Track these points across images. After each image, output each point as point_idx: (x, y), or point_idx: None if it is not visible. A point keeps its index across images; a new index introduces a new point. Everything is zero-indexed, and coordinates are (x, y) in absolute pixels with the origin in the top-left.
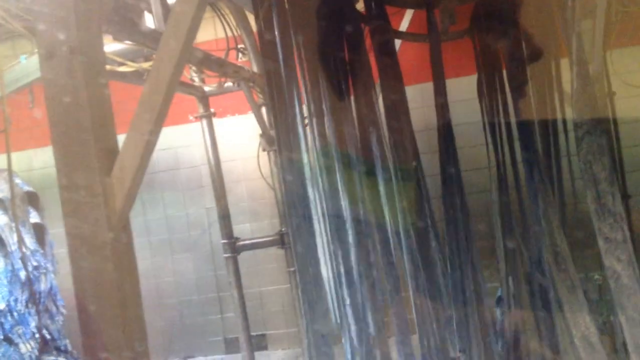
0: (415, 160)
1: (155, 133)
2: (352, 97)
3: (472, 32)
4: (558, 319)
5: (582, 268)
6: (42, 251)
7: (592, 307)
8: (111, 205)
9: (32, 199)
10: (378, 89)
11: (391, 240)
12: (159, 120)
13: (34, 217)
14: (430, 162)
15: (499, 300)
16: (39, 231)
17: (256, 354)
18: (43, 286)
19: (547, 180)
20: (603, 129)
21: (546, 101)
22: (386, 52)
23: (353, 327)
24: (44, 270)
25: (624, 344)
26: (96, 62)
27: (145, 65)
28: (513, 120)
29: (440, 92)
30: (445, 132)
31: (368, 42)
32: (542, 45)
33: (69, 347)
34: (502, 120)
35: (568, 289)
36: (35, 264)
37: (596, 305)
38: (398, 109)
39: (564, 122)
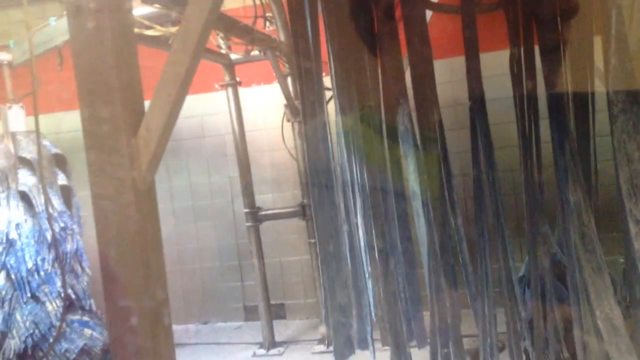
0: (440, 133)
1: (180, 96)
2: (379, 68)
3: (505, 5)
4: (582, 300)
5: (609, 250)
6: (69, 213)
7: (616, 290)
8: (136, 166)
9: (59, 162)
10: (406, 61)
11: (408, 214)
12: (185, 84)
13: (62, 179)
14: (457, 138)
15: (521, 279)
16: (66, 193)
17: (274, 322)
18: (69, 247)
19: (577, 159)
20: (639, 108)
21: (579, 78)
22: (416, 23)
23: (371, 300)
24: (70, 232)
25: None
26: (124, 22)
27: (173, 30)
28: (544, 96)
29: (473, 66)
30: (478, 107)
31: (398, 12)
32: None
33: (94, 307)
34: (534, 96)
35: (594, 270)
36: (62, 225)
37: (620, 288)
38: (425, 81)
39: (595, 99)
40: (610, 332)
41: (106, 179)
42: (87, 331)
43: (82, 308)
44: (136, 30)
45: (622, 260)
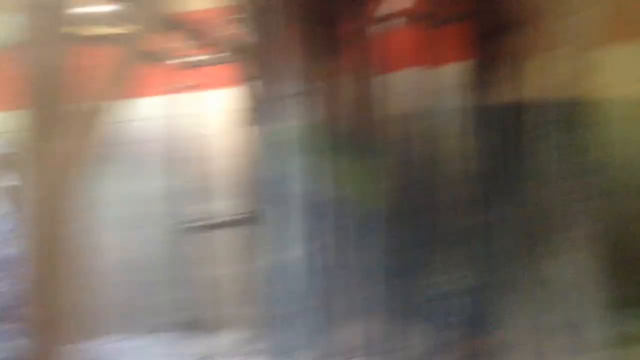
0: (393, 145)
1: (116, 100)
2: (343, 76)
3: (467, 17)
4: (521, 314)
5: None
6: (17, 214)
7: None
8: (66, 169)
9: (12, 161)
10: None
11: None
12: (121, 88)
13: (12, 180)
14: (405, 150)
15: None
16: (18, 194)
17: (211, 334)
18: (14, 250)
19: (523, 172)
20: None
21: (532, 92)
22: (374, 32)
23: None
24: (17, 234)
25: None
26: (58, 19)
27: (116, 30)
28: (496, 109)
29: (426, 78)
30: (427, 119)
31: (364, 19)
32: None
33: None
34: (486, 109)
35: (531, 283)
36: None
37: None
38: (379, 92)
39: (547, 113)
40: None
41: (34, 182)
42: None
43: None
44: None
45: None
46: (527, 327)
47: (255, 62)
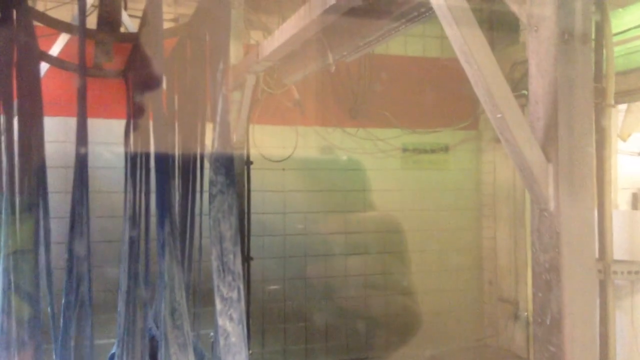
0: (41, 196)
1: None
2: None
3: (126, 74)
4: None
5: (204, 325)
6: None
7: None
8: None
9: None
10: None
11: None
12: None
13: None
14: (64, 201)
15: (112, 358)
16: None
17: None
18: None
19: (176, 233)
20: (235, 191)
21: (189, 158)
22: (28, 73)
23: None
24: None
25: None
26: None
27: None
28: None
29: (81, 129)
30: (81, 172)
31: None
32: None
33: None
34: (144, 170)
35: (180, 346)
36: None
37: None
38: (31, 138)
39: (201, 180)
40: None
41: None
42: None
43: None
44: None
45: (212, 334)
46: None
47: None
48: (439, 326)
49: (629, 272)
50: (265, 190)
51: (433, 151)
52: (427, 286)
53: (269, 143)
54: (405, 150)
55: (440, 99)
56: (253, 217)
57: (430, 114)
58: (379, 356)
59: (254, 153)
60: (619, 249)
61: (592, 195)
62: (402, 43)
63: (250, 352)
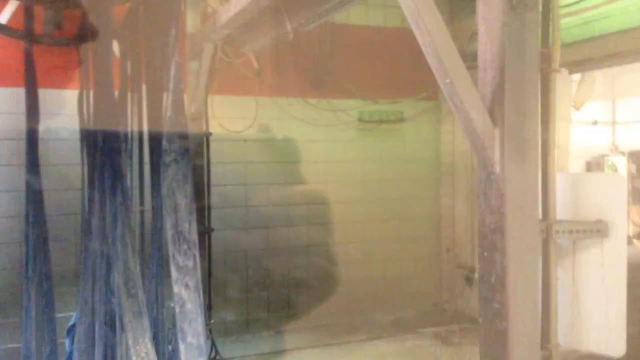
0: None
1: None
2: None
3: (78, 43)
4: (121, 345)
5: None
6: None
7: (163, 334)
8: None
9: None
10: None
11: None
12: None
13: None
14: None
15: (71, 329)
16: None
17: None
18: None
19: (128, 203)
20: (189, 160)
21: (142, 126)
22: None
23: None
24: None
25: None
26: None
27: None
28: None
29: (31, 100)
30: (32, 144)
31: None
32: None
33: None
34: (98, 142)
35: (134, 314)
36: None
37: (168, 331)
38: None
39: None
40: None
41: None
42: None
43: None
44: None
45: (172, 304)
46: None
47: None
48: (399, 293)
49: (570, 232)
50: (225, 162)
51: (393, 122)
52: (387, 254)
53: (229, 114)
54: (365, 121)
55: (401, 70)
56: (214, 189)
57: (391, 85)
58: (340, 323)
59: (213, 124)
60: (563, 210)
61: (537, 158)
62: (363, 13)
63: (212, 321)
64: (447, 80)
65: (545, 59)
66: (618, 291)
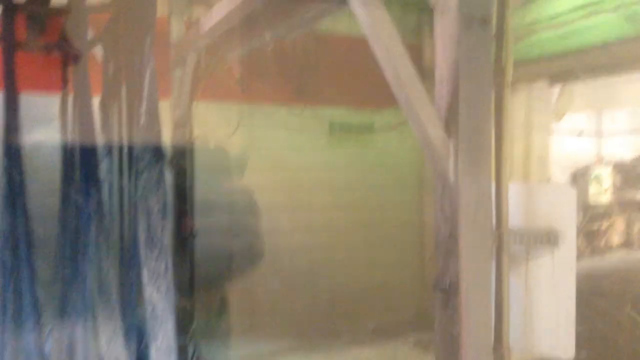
0: None
1: None
2: None
3: (62, 48)
4: (93, 348)
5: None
6: None
7: (132, 336)
8: None
9: None
10: None
11: None
12: None
13: None
14: None
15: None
16: None
17: None
18: None
19: (103, 209)
20: (162, 166)
21: (121, 132)
22: None
23: None
24: None
25: None
26: None
27: None
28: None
29: (10, 105)
30: (12, 151)
31: None
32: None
33: None
34: (76, 146)
35: (106, 318)
36: None
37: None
38: None
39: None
40: None
41: None
42: None
43: None
44: None
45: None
46: None
47: None
48: (381, 299)
49: (522, 240)
50: (209, 168)
51: (378, 129)
52: (370, 261)
53: (212, 121)
54: (349, 129)
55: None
56: (197, 195)
57: (376, 93)
58: (322, 328)
59: (196, 131)
60: (516, 220)
61: (489, 169)
62: (347, 23)
63: (195, 324)
64: (403, 94)
65: (500, 72)
66: (568, 297)
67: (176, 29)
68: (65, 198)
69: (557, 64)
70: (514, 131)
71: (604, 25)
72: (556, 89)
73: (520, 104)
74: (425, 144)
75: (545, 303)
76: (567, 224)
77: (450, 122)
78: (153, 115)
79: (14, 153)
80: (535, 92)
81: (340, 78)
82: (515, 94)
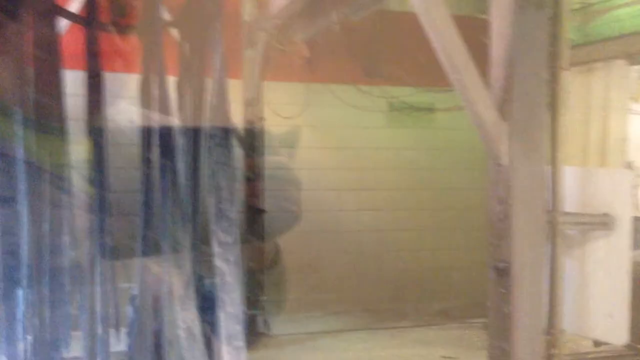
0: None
1: None
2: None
3: (139, 29)
4: (169, 312)
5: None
6: None
7: (205, 303)
8: None
9: None
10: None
11: None
12: None
13: None
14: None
15: (134, 299)
16: None
17: None
18: None
19: (178, 181)
20: (231, 143)
21: (194, 111)
22: (45, 29)
23: None
24: None
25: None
26: None
27: None
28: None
29: (94, 84)
30: (96, 127)
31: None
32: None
33: None
34: (154, 123)
35: (183, 285)
36: None
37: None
38: (51, 88)
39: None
40: (189, 340)
41: None
42: None
43: None
44: None
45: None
46: None
47: None
48: (448, 282)
49: (577, 224)
50: (278, 146)
51: (448, 110)
52: (437, 244)
53: (281, 99)
54: (419, 109)
55: None
56: (267, 172)
57: (445, 73)
58: (388, 308)
59: (266, 110)
60: (571, 203)
61: (543, 151)
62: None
63: (265, 297)
64: (457, 77)
65: (555, 57)
66: (622, 283)
67: (248, 10)
68: (143, 173)
69: (637, 42)
70: (589, 113)
71: None
72: (635, 68)
73: (598, 84)
74: (479, 127)
75: (600, 288)
76: (623, 209)
77: (505, 105)
78: (223, 95)
79: (97, 129)
80: (613, 71)
81: (410, 57)
82: (593, 73)
